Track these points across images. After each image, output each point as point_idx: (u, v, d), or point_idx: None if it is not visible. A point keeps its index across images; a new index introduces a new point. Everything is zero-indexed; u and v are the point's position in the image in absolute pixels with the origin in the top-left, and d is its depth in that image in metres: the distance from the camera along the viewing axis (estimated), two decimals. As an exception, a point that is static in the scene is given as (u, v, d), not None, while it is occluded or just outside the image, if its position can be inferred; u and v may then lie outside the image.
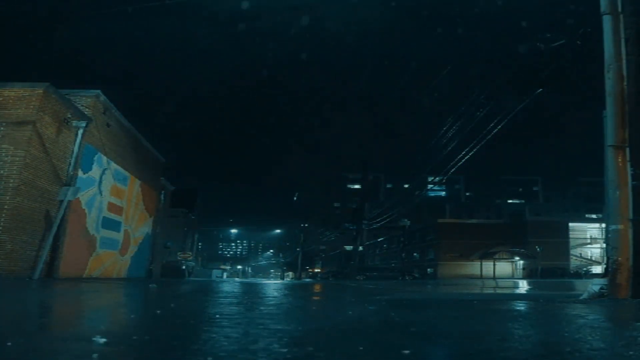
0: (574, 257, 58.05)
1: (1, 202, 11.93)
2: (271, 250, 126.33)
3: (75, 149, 14.61)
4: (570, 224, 58.79)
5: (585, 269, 53.97)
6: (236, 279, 45.17)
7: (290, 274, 75.26)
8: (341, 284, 19.79)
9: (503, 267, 54.29)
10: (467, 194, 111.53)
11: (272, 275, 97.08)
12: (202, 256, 76.29)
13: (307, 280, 46.16)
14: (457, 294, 9.92)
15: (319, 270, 77.50)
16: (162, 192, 27.08)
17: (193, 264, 36.94)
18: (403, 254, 51.54)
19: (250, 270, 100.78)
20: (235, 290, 9.90)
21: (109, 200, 17.93)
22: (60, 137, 14.06)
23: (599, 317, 4.29)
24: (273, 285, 15.18)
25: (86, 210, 16.05)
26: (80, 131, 14.64)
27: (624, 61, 6.77)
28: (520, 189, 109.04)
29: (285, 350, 2.21)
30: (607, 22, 6.98)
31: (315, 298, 7.79)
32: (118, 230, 19.17)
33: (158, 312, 4.28)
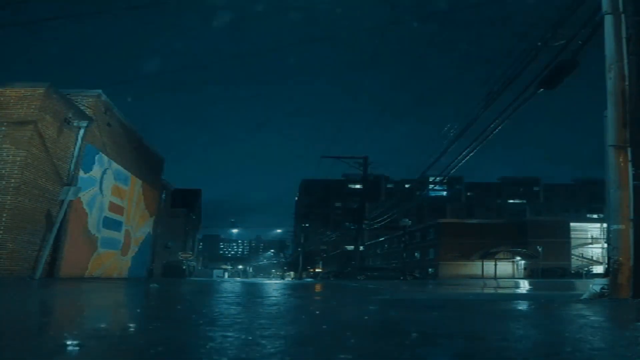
0: (575, 257, 58.03)
1: (2, 202, 11.95)
2: (272, 250, 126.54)
3: (76, 148, 14.63)
4: (572, 224, 58.79)
5: (586, 269, 53.92)
6: (237, 279, 45.19)
7: (291, 273, 75.43)
8: (342, 283, 19.80)
9: (504, 267, 54.26)
10: (468, 194, 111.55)
11: (273, 275, 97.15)
12: (203, 256, 76.38)
13: (308, 280, 46.17)
14: (458, 294, 9.91)
15: (319, 270, 77.65)
16: (163, 191, 27.11)
17: (194, 263, 36.97)
18: (404, 254, 51.46)
19: (251, 270, 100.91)
20: (236, 290, 9.91)
21: (110, 200, 17.95)
22: (61, 137, 14.07)
23: (600, 317, 4.28)
24: (274, 285, 15.17)
25: (87, 210, 16.06)
26: (81, 131, 14.66)
27: (625, 61, 6.76)
28: (521, 189, 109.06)
29: (286, 350, 2.21)
30: (608, 22, 6.96)
31: (316, 298, 7.79)
32: (119, 230, 19.19)
33: (160, 311, 4.28)
